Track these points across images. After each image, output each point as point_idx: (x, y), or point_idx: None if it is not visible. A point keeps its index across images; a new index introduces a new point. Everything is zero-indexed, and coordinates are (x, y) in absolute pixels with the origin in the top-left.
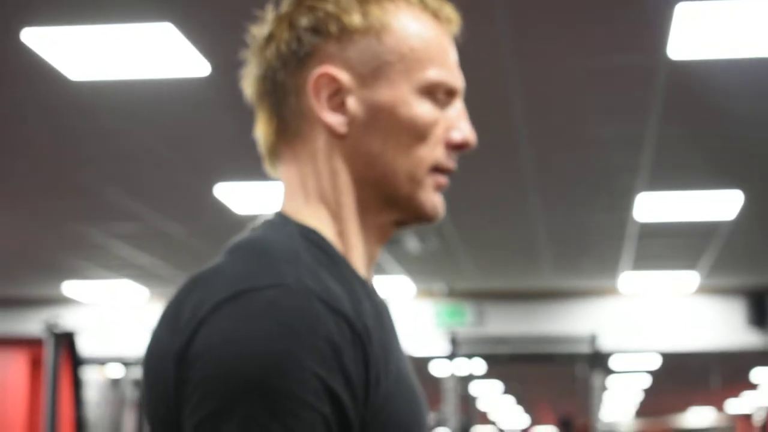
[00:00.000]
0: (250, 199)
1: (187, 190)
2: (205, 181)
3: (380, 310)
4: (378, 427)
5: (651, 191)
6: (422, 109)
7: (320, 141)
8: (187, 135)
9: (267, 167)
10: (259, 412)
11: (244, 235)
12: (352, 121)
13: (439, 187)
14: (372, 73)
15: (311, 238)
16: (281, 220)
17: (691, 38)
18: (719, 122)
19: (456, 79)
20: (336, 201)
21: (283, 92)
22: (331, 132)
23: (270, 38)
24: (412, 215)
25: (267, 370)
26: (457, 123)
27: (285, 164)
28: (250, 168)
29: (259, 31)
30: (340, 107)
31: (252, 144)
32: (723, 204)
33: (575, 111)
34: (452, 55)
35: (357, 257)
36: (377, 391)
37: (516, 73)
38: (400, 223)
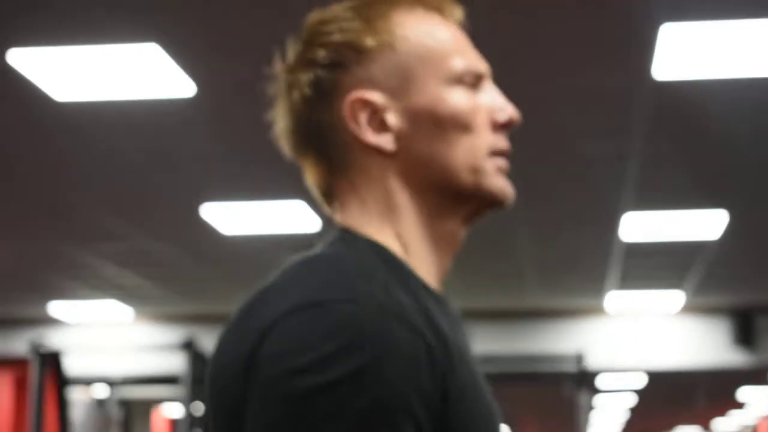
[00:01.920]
0: (236, 219)
1: (173, 210)
2: (192, 201)
3: (455, 326)
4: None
5: (637, 211)
6: (458, 100)
7: (373, 165)
8: (173, 155)
9: (327, 210)
10: (324, 426)
11: (315, 249)
12: (398, 136)
13: (501, 170)
14: (400, 84)
15: (382, 254)
16: (351, 236)
17: (676, 58)
18: (704, 142)
19: (479, 62)
20: (397, 220)
21: (322, 133)
22: (380, 153)
23: (291, 86)
24: (484, 204)
25: (334, 385)
26: (496, 104)
27: (342, 198)
28: (237, 188)
29: (275, 86)
30: (381, 126)
31: (238, 164)
32: (708, 223)
33: (561, 131)
34: (468, 43)
35: (425, 273)
36: (453, 407)
37: (501, 92)
38: (473, 216)
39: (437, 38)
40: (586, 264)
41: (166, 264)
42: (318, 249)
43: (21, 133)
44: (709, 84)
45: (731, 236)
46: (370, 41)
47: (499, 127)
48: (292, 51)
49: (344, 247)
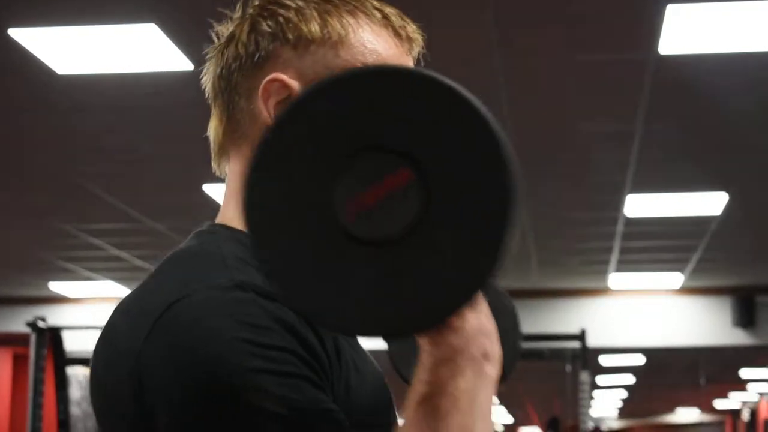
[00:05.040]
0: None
1: (173, 190)
2: (193, 181)
3: None
4: (345, 409)
5: (639, 191)
6: None
7: None
8: (174, 134)
9: (214, 166)
10: (242, 398)
11: (174, 249)
12: None
13: None
14: None
15: (242, 239)
16: (210, 228)
17: (681, 39)
18: (706, 123)
19: None
20: None
21: (236, 93)
22: None
23: (231, 38)
24: None
25: (227, 365)
26: None
27: (231, 164)
28: None
29: (223, 30)
30: None
31: None
32: (709, 205)
33: (563, 109)
34: None
35: None
36: (339, 370)
37: (503, 70)
38: None
39: (380, 59)
40: (588, 244)
41: (165, 243)
42: (176, 248)
43: (22, 112)
44: (715, 65)
45: (733, 217)
46: (315, 31)
47: None
48: (251, 6)
49: (199, 241)
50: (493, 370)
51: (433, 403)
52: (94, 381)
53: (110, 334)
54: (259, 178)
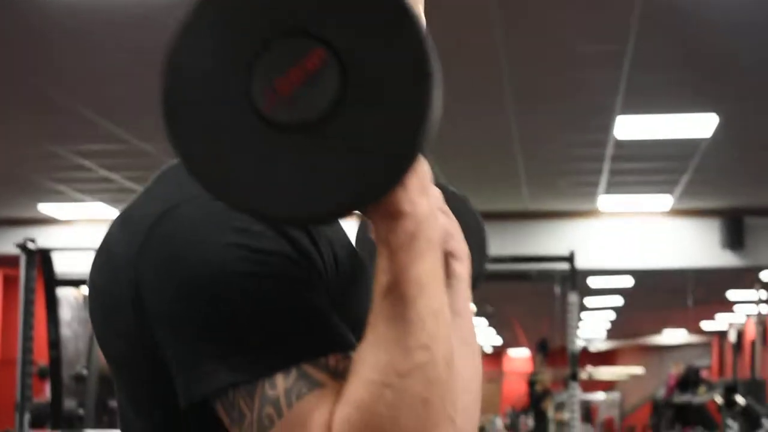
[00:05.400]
0: None
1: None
2: None
3: None
4: (341, 312)
5: (628, 113)
6: None
7: None
8: (162, 56)
9: None
10: (231, 302)
11: (166, 166)
12: None
13: None
14: None
15: None
16: None
17: None
18: (696, 45)
19: None
20: None
21: None
22: None
23: None
24: None
25: (217, 270)
26: None
27: None
28: None
29: None
30: None
31: None
32: (699, 126)
33: (555, 32)
34: None
35: None
36: (336, 276)
37: None
38: None
39: None
40: (579, 166)
41: (154, 166)
42: (173, 162)
43: (10, 32)
44: None
45: (722, 138)
46: None
47: None
48: None
49: None
50: (463, 268)
51: (399, 291)
52: (93, 293)
53: (108, 246)
54: (175, 67)
